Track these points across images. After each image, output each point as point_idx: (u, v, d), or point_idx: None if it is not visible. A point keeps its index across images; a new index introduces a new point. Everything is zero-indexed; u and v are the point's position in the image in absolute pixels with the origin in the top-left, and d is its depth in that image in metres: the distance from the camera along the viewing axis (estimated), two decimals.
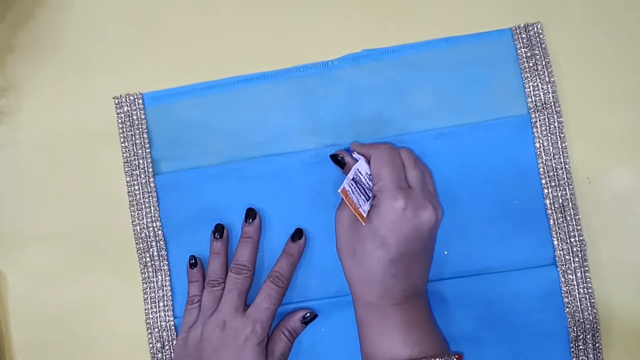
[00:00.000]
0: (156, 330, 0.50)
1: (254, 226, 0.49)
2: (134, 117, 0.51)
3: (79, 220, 0.52)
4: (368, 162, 0.45)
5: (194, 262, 0.49)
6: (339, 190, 0.42)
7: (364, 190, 0.44)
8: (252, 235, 0.49)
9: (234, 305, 0.46)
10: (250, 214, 0.49)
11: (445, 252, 0.48)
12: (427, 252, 0.45)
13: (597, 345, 0.47)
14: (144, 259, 0.50)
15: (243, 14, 0.52)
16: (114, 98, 0.51)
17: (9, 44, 0.53)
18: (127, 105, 0.51)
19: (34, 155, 0.53)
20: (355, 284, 0.44)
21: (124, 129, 0.51)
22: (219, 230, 0.49)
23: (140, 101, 0.51)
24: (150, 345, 0.50)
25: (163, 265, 0.50)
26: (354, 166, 0.44)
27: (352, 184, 0.43)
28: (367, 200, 0.44)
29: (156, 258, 0.50)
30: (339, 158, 0.47)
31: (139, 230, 0.50)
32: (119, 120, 0.51)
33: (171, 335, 0.50)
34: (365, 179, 0.44)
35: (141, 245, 0.50)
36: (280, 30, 0.51)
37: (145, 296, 0.50)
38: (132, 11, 0.53)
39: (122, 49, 0.52)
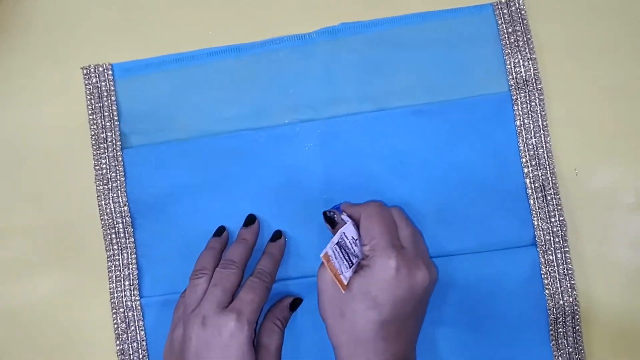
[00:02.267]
0: (121, 310, 0.48)
1: (251, 230, 0.47)
2: (103, 88, 0.49)
3: (46, 208, 0.50)
4: (356, 225, 0.43)
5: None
6: (321, 255, 0.39)
7: (348, 255, 0.41)
8: (247, 238, 0.46)
9: (217, 301, 0.42)
10: (250, 219, 0.47)
11: None
12: (419, 314, 0.43)
13: (576, 328, 0.45)
14: (109, 236, 0.48)
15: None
16: (82, 68, 0.49)
17: None
18: (95, 77, 0.49)
19: (2, 145, 0.50)
20: (342, 347, 0.40)
21: (92, 101, 0.49)
22: (219, 231, 0.47)
23: (110, 72, 0.49)
24: (115, 326, 0.48)
25: (129, 243, 0.48)
26: (340, 229, 0.42)
27: (335, 249, 0.40)
28: (350, 267, 0.41)
29: (122, 235, 0.48)
30: (329, 215, 0.44)
31: (104, 205, 0.48)
32: (87, 92, 0.49)
33: (137, 316, 0.48)
34: (351, 244, 0.42)
35: (106, 221, 0.48)
36: (256, 1, 0.50)
37: (110, 274, 0.48)
38: None
39: (94, 27, 0.50)
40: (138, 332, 0.48)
